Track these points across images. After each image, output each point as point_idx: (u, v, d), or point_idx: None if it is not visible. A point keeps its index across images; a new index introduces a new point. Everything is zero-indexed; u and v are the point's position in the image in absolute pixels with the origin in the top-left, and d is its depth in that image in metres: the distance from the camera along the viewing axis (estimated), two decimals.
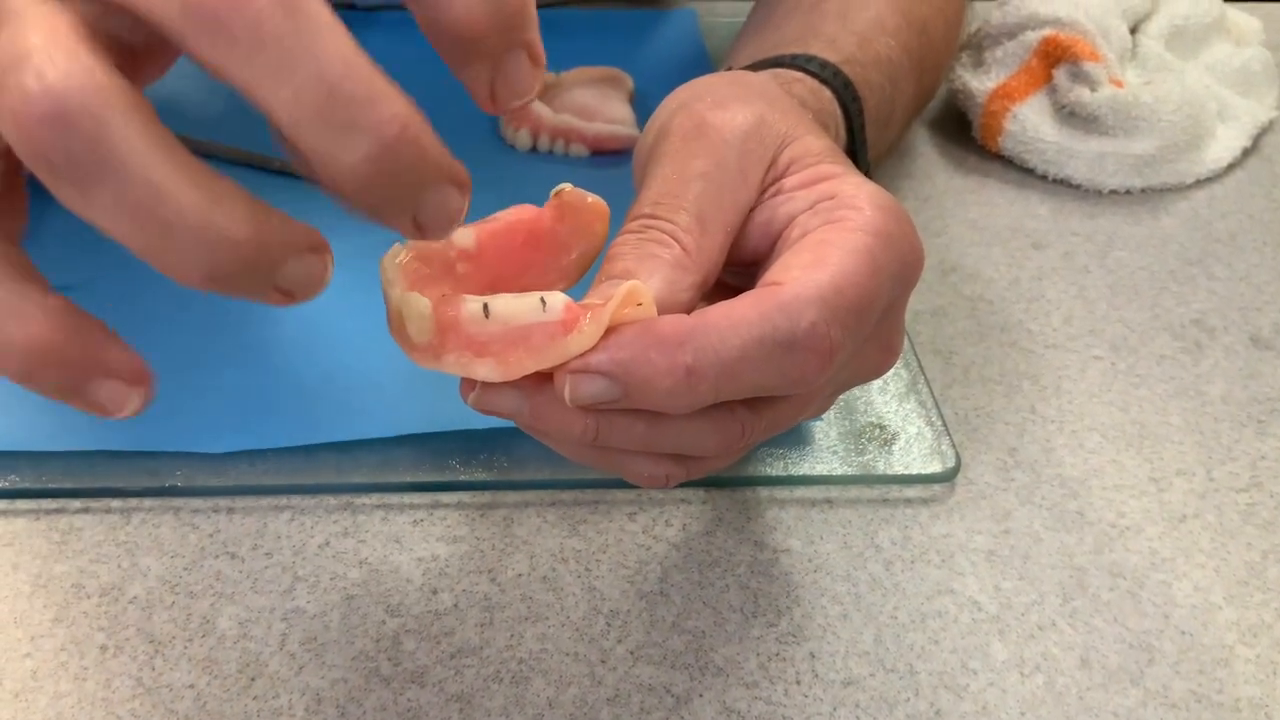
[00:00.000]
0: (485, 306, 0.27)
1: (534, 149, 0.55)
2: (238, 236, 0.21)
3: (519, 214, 0.31)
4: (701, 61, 0.64)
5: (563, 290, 0.30)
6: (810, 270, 0.29)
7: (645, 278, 0.29)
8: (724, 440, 0.30)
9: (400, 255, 0.29)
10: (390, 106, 0.21)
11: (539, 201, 0.31)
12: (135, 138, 0.20)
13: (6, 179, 0.24)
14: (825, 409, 0.35)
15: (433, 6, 0.22)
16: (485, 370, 0.27)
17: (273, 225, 0.22)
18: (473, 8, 0.22)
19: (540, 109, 0.55)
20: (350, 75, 0.20)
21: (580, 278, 0.32)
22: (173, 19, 0.20)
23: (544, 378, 0.28)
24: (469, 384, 0.29)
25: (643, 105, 0.58)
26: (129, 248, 0.21)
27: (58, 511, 0.38)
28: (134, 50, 0.23)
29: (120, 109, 0.20)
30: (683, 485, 0.38)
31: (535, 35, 0.23)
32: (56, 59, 0.20)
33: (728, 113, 0.33)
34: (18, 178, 0.24)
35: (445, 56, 0.23)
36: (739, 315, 0.28)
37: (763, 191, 0.33)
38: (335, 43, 0.20)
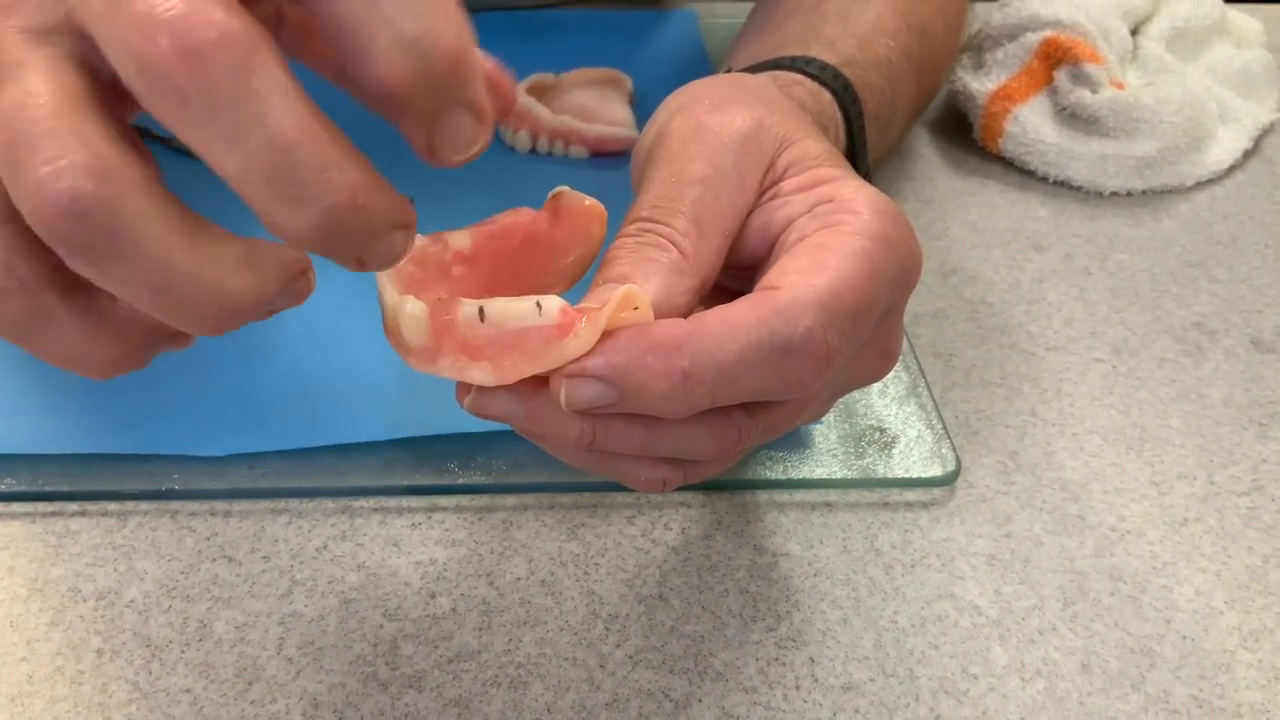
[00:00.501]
0: (481, 310, 0.27)
1: (533, 150, 0.55)
2: (247, 298, 0.22)
3: (516, 216, 0.31)
4: (701, 62, 0.63)
5: (559, 293, 0.30)
6: (808, 275, 0.28)
7: (642, 281, 0.29)
8: (721, 444, 0.30)
9: None
10: (340, 176, 0.21)
11: (538, 203, 0.31)
12: (150, 221, 0.21)
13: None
14: (823, 413, 0.35)
15: (353, 60, 0.21)
16: (480, 374, 0.27)
17: (271, 273, 0.22)
18: (396, 68, 0.21)
19: (540, 110, 0.55)
20: (301, 144, 0.20)
21: (577, 280, 0.31)
22: (129, 76, 0.20)
23: (540, 382, 0.28)
24: (464, 388, 0.29)
25: (642, 106, 0.58)
26: (140, 310, 0.22)
27: (54, 514, 0.37)
28: (124, 85, 0.23)
29: (134, 195, 0.21)
30: (681, 489, 0.38)
31: (476, 91, 0.22)
32: (69, 145, 0.20)
33: (726, 116, 0.33)
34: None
35: (372, 110, 0.22)
36: (736, 320, 0.27)
37: (760, 195, 0.32)
38: (288, 109, 0.20)
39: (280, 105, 0.20)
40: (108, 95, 0.22)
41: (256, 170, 0.20)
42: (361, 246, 0.22)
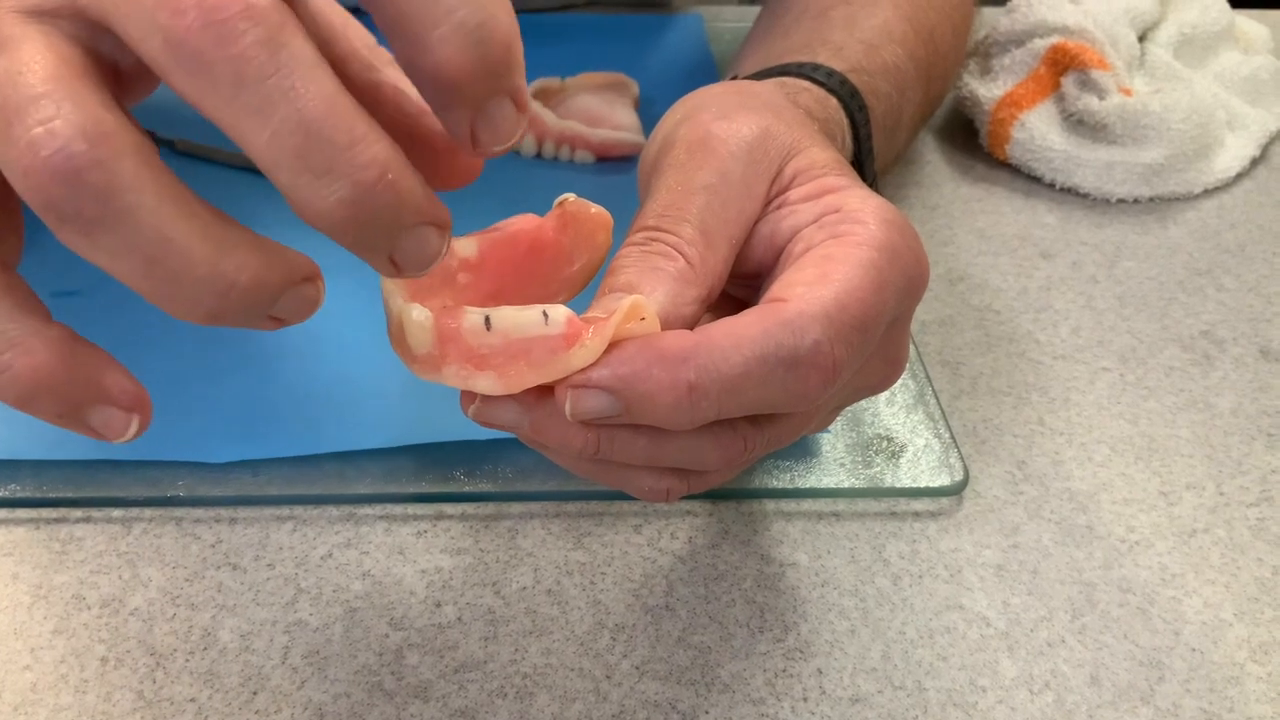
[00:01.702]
0: (487, 319, 0.27)
1: (539, 155, 0.55)
2: (242, 282, 0.21)
3: (521, 223, 0.31)
4: (707, 67, 0.63)
5: (565, 301, 0.30)
6: (815, 286, 0.28)
7: (649, 291, 0.29)
8: (726, 456, 0.30)
9: None
10: (369, 150, 0.21)
11: (544, 208, 0.31)
12: (145, 190, 0.20)
13: (2, 206, 0.23)
14: (829, 423, 0.35)
15: (412, 48, 0.21)
16: (486, 383, 0.27)
17: (273, 264, 0.22)
18: (454, 55, 0.21)
19: (545, 115, 0.55)
20: (330, 118, 0.20)
21: (583, 288, 0.31)
22: (155, 52, 0.20)
23: (545, 391, 0.28)
24: (469, 396, 0.29)
25: (648, 111, 0.58)
26: (130, 287, 0.21)
27: (58, 521, 0.37)
28: (124, 70, 0.23)
29: (129, 160, 0.20)
30: (688, 498, 0.38)
31: (521, 81, 0.23)
32: (64, 108, 0.20)
33: (733, 124, 0.33)
34: (14, 205, 0.24)
35: (425, 98, 0.22)
36: (742, 332, 0.27)
37: (767, 204, 0.32)
38: (318, 83, 0.20)
39: (308, 78, 0.20)
40: (107, 77, 0.22)
41: (284, 144, 0.20)
42: (392, 235, 0.22)
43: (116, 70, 0.22)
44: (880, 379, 0.33)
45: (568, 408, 0.27)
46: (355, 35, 0.26)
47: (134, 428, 0.24)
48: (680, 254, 0.30)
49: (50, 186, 0.20)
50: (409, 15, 0.21)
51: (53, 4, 0.21)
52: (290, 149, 0.20)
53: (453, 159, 0.27)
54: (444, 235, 0.23)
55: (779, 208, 0.32)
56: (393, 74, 0.25)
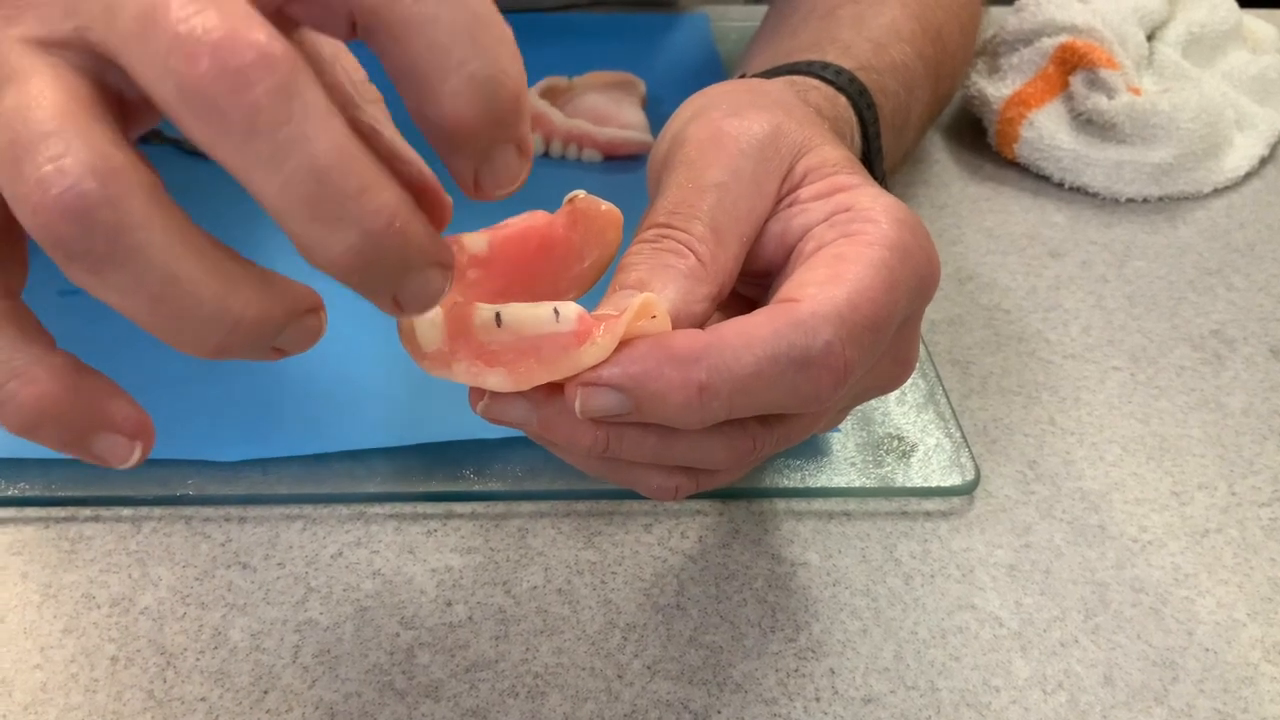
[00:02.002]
0: (498, 315, 0.27)
1: (546, 154, 0.55)
2: (249, 318, 0.21)
3: (531, 220, 0.31)
4: (714, 66, 0.63)
5: (575, 298, 0.30)
6: (827, 286, 0.28)
7: (659, 289, 0.29)
8: (735, 455, 0.30)
9: None
10: (378, 197, 0.21)
11: (551, 206, 0.31)
12: (154, 228, 0.20)
13: (7, 235, 0.23)
14: (838, 422, 0.35)
15: (421, 97, 0.21)
16: (495, 380, 0.27)
17: (278, 299, 0.22)
18: (464, 108, 0.21)
19: (553, 114, 0.55)
20: (341, 166, 0.20)
21: (593, 285, 0.31)
22: (167, 97, 0.20)
23: (554, 388, 0.28)
24: (478, 393, 0.29)
25: (655, 110, 0.58)
26: (136, 323, 0.21)
27: (68, 520, 0.37)
28: (130, 100, 0.22)
29: (139, 198, 0.20)
30: (698, 496, 0.38)
31: (526, 129, 0.23)
32: (74, 145, 0.20)
33: (744, 121, 0.32)
34: (19, 234, 0.24)
35: (430, 141, 0.23)
36: (754, 332, 0.27)
37: (778, 202, 0.32)
38: (329, 132, 0.20)
39: (320, 127, 0.20)
40: (114, 109, 0.22)
41: (295, 192, 0.20)
42: (398, 278, 0.22)
43: (122, 100, 0.22)
44: (890, 379, 0.33)
45: (578, 405, 0.27)
46: (346, 67, 0.26)
47: (137, 454, 0.24)
48: (691, 251, 0.30)
49: (59, 225, 0.20)
50: (420, 66, 0.21)
51: (60, 35, 0.21)
52: (301, 197, 0.20)
53: (423, 200, 0.26)
54: (447, 274, 0.23)
55: (790, 206, 0.32)
56: (374, 112, 0.25)
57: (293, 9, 0.22)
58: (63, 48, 0.21)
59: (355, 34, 0.22)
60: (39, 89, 0.20)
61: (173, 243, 0.20)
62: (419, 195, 0.25)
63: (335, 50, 0.26)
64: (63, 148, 0.20)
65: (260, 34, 0.19)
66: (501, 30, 0.22)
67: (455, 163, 0.23)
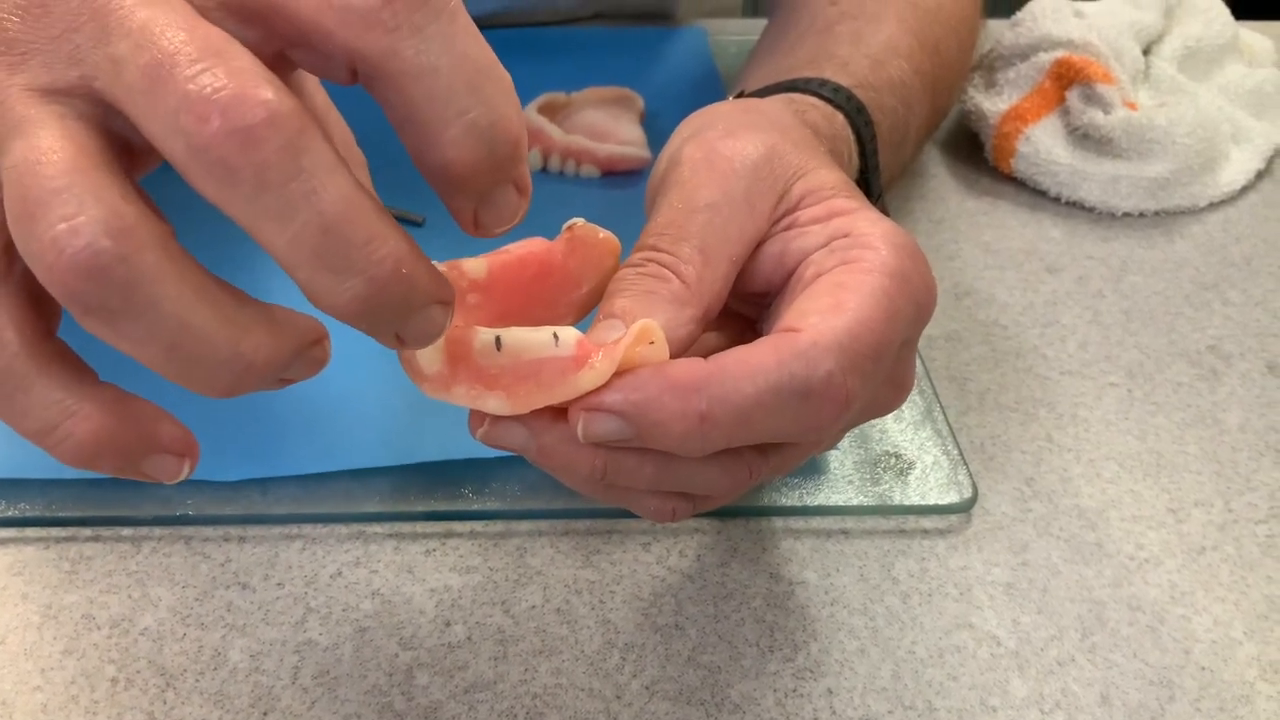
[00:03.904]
0: (498, 339, 0.27)
1: (544, 169, 0.55)
2: (260, 360, 0.22)
3: (530, 247, 0.31)
4: (711, 80, 0.63)
5: (572, 324, 0.30)
6: (828, 316, 0.28)
7: (643, 316, 0.29)
8: (731, 482, 0.30)
9: None
10: (384, 246, 0.21)
11: (550, 222, 0.31)
12: (167, 280, 0.21)
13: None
14: (833, 446, 0.35)
15: (423, 143, 0.22)
16: (495, 403, 0.27)
17: (286, 337, 0.23)
18: (465, 154, 0.22)
19: (551, 130, 0.55)
20: (348, 217, 0.21)
21: (590, 311, 0.31)
22: (176, 153, 0.20)
23: (553, 413, 0.28)
24: (478, 417, 0.29)
25: (653, 125, 0.58)
26: (150, 369, 0.22)
27: (67, 540, 0.37)
28: (136, 146, 0.23)
29: (151, 252, 0.21)
30: (695, 515, 0.38)
31: (524, 169, 0.24)
32: (86, 203, 0.20)
33: (738, 142, 0.33)
34: None
35: (431, 184, 0.23)
36: (755, 362, 0.27)
37: (775, 223, 0.32)
38: (336, 185, 0.21)
39: (328, 182, 0.20)
40: (121, 157, 0.22)
41: (304, 244, 0.20)
42: (401, 319, 0.22)
43: (128, 145, 0.22)
44: (888, 401, 0.33)
45: (580, 429, 0.27)
46: (333, 126, 0.27)
47: (185, 470, 0.25)
48: (675, 273, 0.30)
49: (74, 282, 0.20)
50: (420, 115, 0.22)
51: (66, 83, 0.21)
52: (310, 249, 0.21)
53: None
54: (448, 310, 0.24)
55: (788, 228, 0.32)
56: (359, 176, 0.26)
57: (293, 54, 0.23)
58: (68, 95, 0.21)
59: (355, 80, 0.22)
60: (48, 143, 0.21)
61: (185, 293, 0.21)
62: None
63: (326, 108, 0.27)
64: (75, 206, 0.20)
65: (268, 91, 0.20)
66: (500, 77, 0.22)
67: (455, 203, 0.23)
